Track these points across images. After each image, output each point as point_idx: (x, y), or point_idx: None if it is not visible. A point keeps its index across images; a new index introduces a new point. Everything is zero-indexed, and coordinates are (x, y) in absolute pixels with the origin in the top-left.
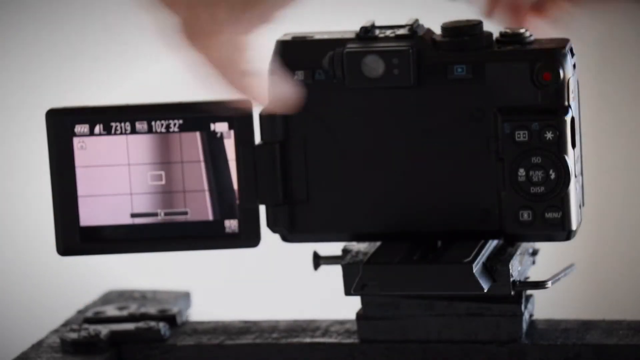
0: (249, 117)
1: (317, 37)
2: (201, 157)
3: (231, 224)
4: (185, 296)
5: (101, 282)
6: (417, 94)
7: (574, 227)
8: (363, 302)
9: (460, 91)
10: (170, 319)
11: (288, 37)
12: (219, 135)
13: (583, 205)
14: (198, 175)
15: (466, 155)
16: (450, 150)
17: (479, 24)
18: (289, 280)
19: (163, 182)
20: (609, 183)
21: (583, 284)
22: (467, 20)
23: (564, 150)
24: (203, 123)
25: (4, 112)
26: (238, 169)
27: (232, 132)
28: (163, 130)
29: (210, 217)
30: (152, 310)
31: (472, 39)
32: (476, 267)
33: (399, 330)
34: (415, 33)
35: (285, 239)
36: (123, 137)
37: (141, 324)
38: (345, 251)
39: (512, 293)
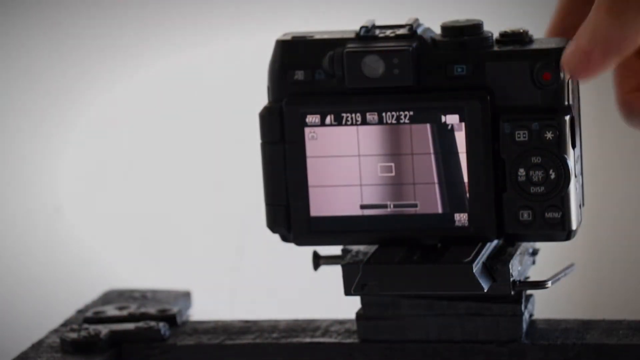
0: (481, 109)
1: (317, 37)
2: (431, 149)
3: (461, 218)
4: (185, 296)
5: (101, 282)
6: (417, 93)
7: (574, 227)
8: (363, 302)
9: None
10: (170, 319)
11: (288, 37)
12: (449, 127)
13: (583, 205)
14: (428, 167)
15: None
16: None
17: (479, 23)
18: (289, 280)
19: (393, 173)
20: (609, 183)
21: (583, 284)
22: (467, 20)
23: (564, 150)
24: (434, 115)
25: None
26: (469, 161)
27: (463, 124)
28: (393, 121)
29: (440, 210)
30: (152, 310)
31: (472, 39)
32: (476, 267)
33: (399, 330)
34: (415, 33)
35: (285, 239)
36: (354, 127)
37: (141, 324)
38: (345, 251)
39: (512, 293)
